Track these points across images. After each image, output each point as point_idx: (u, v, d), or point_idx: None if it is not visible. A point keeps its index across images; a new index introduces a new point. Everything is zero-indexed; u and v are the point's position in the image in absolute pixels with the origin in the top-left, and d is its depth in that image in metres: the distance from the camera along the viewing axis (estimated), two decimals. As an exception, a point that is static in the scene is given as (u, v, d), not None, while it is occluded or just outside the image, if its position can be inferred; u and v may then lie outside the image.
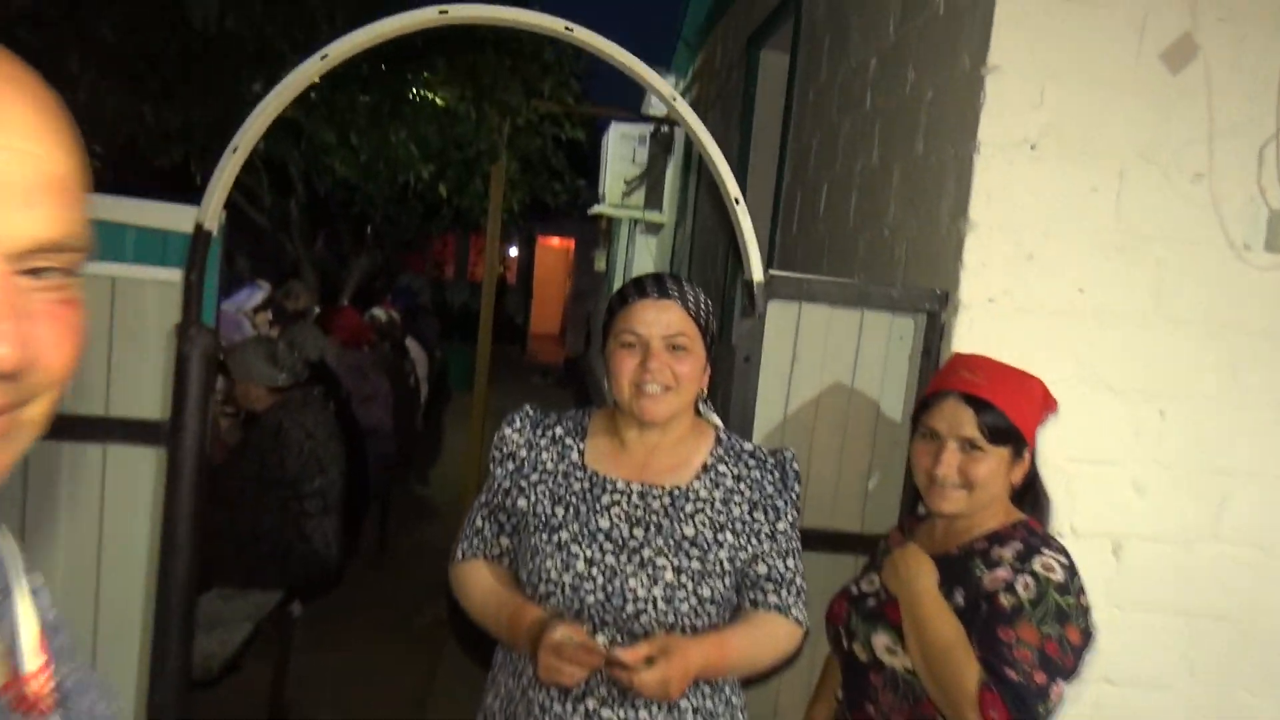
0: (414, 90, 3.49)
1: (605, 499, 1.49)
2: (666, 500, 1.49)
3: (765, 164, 4.20)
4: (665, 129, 7.44)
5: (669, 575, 1.44)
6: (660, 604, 1.42)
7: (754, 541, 1.50)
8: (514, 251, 19.76)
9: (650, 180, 7.52)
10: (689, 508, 1.49)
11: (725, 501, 1.51)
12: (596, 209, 7.53)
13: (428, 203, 9.59)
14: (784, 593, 1.50)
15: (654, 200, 7.52)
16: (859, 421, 2.13)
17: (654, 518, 1.48)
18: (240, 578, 3.18)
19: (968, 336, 2.04)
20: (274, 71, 3.57)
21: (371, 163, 7.94)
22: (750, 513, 1.51)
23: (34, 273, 0.52)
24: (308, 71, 1.81)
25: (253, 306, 6.25)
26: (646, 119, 7.49)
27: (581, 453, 1.54)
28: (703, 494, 1.50)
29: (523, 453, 1.56)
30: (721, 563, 1.47)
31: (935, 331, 2.07)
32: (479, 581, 1.54)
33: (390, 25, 1.81)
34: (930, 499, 1.61)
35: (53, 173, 0.51)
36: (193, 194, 1.92)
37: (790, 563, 1.52)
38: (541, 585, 1.45)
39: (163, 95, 3.11)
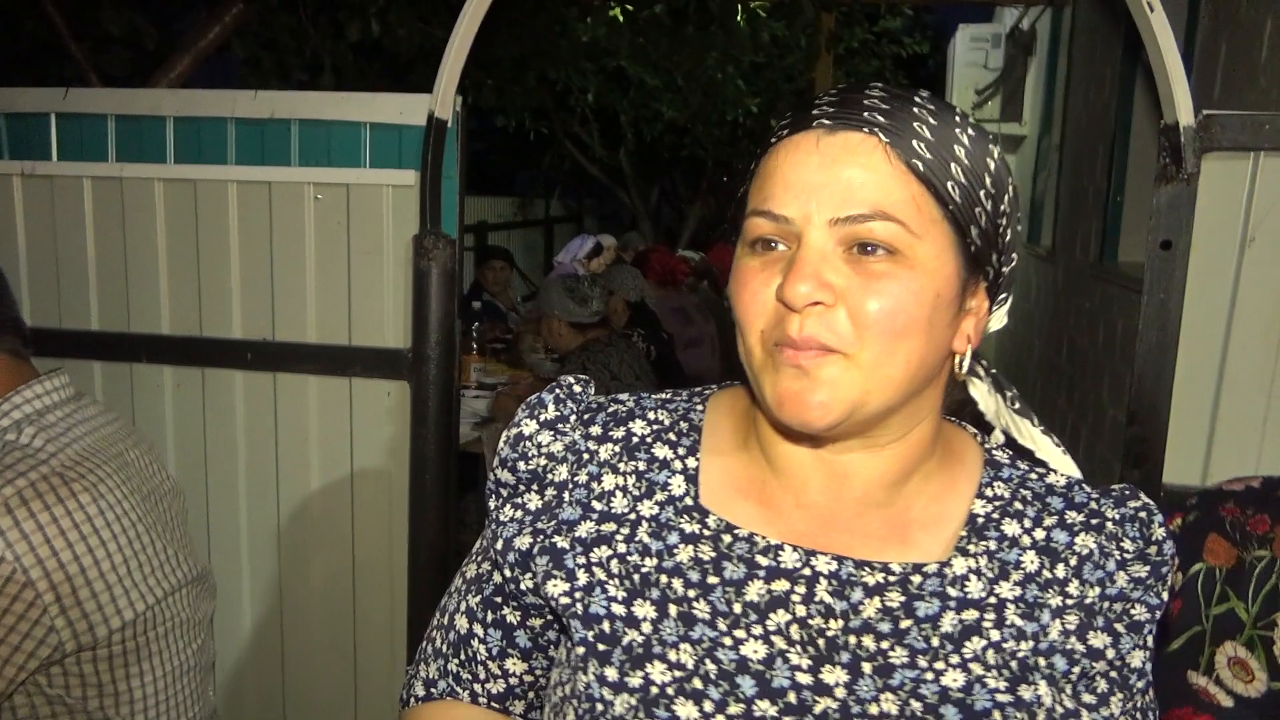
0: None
1: (753, 590, 0.66)
2: (895, 600, 0.66)
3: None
4: (1026, 26, 6.35)
5: None
6: None
7: (1090, 698, 0.66)
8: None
9: (1007, 88, 6.49)
10: (948, 622, 0.65)
11: (1030, 608, 0.67)
12: (942, 127, 6.62)
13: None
14: None
15: (1012, 111, 6.48)
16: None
17: (868, 642, 0.65)
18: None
19: None
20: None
21: (698, 102, 7.74)
22: (1081, 633, 0.66)
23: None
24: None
25: (584, 255, 6.33)
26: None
27: (692, 478, 0.71)
28: (974, 588, 0.67)
29: (561, 472, 0.71)
30: None
31: None
32: None
33: None
34: None
35: None
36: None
37: None
38: None
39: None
